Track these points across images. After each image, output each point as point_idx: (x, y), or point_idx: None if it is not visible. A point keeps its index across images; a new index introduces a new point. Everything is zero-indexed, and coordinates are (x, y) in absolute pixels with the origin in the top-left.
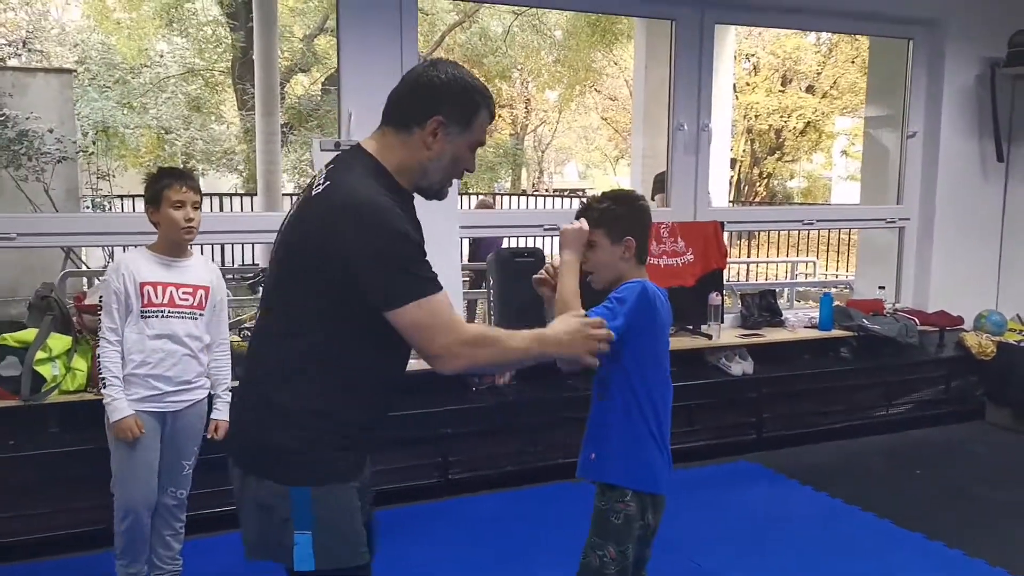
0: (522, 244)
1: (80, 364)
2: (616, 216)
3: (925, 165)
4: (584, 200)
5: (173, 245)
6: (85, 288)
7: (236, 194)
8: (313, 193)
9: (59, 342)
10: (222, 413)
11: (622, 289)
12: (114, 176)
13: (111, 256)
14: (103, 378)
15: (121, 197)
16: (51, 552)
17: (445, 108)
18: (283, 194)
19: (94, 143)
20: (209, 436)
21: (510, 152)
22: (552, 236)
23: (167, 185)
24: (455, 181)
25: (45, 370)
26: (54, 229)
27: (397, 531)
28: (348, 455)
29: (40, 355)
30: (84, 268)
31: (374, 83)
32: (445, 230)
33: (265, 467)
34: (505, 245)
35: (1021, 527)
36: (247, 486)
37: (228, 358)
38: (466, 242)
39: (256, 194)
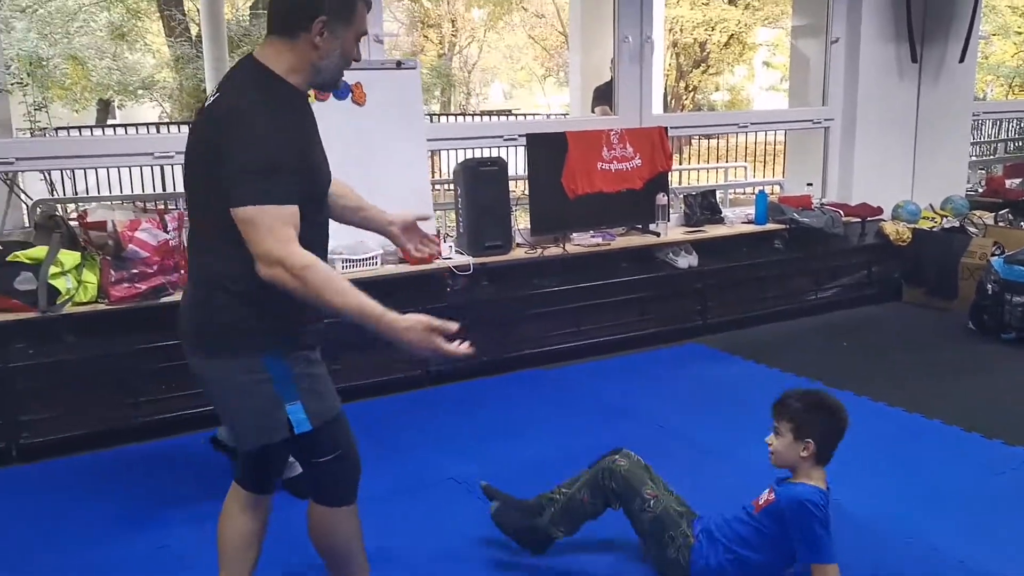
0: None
1: (90, 277)
2: (806, 419)
3: (847, 69)
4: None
5: None
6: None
7: (174, 123)
8: (206, 105)
9: (69, 257)
10: None
11: (804, 513)
12: (47, 107)
13: (51, 187)
14: None
15: (57, 129)
16: (72, 450)
17: (325, 7)
18: None
19: (28, 75)
20: None
21: (444, 73)
22: (511, 146)
23: None
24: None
25: (59, 283)
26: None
27: (391, 419)
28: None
29: (53, 270)
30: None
31: None
32: (413, 145)
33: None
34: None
35: (932, 381)
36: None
37: None
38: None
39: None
